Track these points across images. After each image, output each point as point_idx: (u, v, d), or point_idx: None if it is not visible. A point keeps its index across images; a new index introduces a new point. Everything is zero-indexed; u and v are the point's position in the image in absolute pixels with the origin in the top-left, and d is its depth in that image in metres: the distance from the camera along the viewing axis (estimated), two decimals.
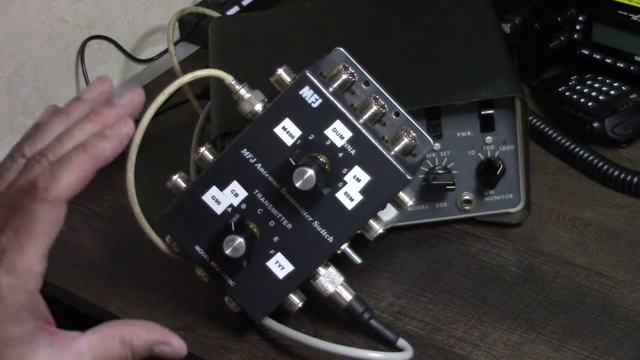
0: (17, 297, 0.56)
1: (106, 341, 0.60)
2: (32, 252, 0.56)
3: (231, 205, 0.75)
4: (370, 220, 0.75)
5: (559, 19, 1.03)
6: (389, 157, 0.73)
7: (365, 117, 0.74)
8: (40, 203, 0.56)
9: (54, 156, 0.59)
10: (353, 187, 0.74)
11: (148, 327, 0.62)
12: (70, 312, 0.88)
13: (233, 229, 0.73)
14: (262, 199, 0.75)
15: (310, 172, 0.71)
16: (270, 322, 0.78)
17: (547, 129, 0.96)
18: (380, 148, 0.73)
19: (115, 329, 0.61)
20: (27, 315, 0.57)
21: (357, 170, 0.74)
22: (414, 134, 0.75)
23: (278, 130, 0.74)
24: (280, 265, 0.76)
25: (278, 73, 0.74)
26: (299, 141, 0.74)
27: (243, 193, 0.75)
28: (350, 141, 0.73)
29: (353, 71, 0.75)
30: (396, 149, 0.74)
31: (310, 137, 0.74)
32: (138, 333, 0.61)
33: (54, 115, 0.63)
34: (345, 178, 0.74)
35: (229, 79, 0.76)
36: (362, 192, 0.74)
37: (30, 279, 0.56)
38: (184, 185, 0.77)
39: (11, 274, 0.56)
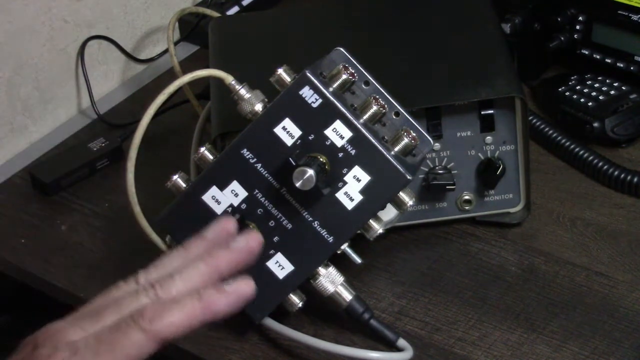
0: None
1: None
2: None
3: (231, 205, 0.76)
4: (370, 220, 0.75)
5: (559, 19, 1.03)
6: (389, 157, 0.73)
7: (365, 117, 0.74)
8: (138, 330, 0.56)
9: (162, 290, 0.59)
10: (353, 187, 0.74)
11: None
12: (70, 312, 0.88)
13: None
14: (262, 199, 0.75)
15: (310, 172, 0.71)
16: (270, 322, 0.78)
17: (547, 129, 0.96)
18: (380, 148, 0.73)
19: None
20: None
21: (357, 170, 0.74)
22: (414, 134, 0.75)
23: (278, 130, 0.74)
24: (280, 265, 0.76)
25: (278, 73, 0.74)
26: (299, 141, 0.74)
27: (243, 193, 0.75)
28: (350, 141, 0.73)
29: (353, 71, 0.75)
30: (396, 149, 0.74)
31: (310, 137, 0.74)
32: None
33: (175, 250, 0.64)
34: (345, 178, 0.74)
35: (229, 79, 0.76)
36: (362, 192, 0.74)
37: None
38: (184, 185, 0.77)
39: None
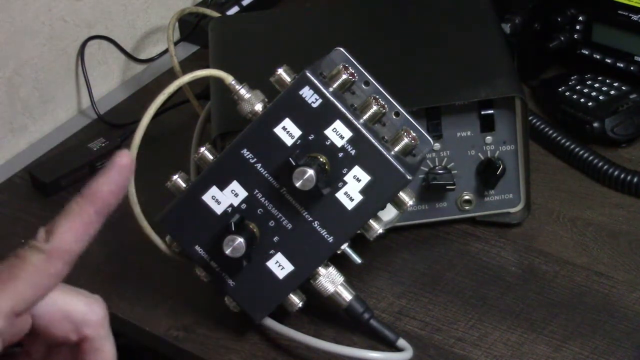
0: None
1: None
2: (3, 301, 0.49)
3: (231, 205, 0.75)
4: (370, 220, 0.75)
5: (559, 19, 1.03)
6: (389, 157, 0.73)
7: (365, 117, 0.74)
8: (36, 253, 0.50)
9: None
10: (353, 187, 0.74)
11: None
12: None
13: (233, 229, 0.73)
14: (262, 199, 0.75)
15: (310, 172, 0.71)
16: (270, 322, 0.78)
17: (547, 129, 0.96)
18: (380, 148, 0.73)
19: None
20: None
21: (357, 170, 0.74)
22: (414, 134, 0.75)
23: (278, 130, 0.74)
24: (280, 265, 0.76)
25: (278, 73, 0.74)
26: (299, 141, 0.74)
27: (243, 193, 0.75)
28: (350, 141, 0.73)
29: (353, 71, 0.75)
30: (396, 149, 0.74)
31: (310, 137, 0.74)
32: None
33: None
34: (345, 178, 0.74)
35: (229, 79, 0.76)
36: (362, 192, 0.74)
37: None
38: (184, 185, 0.77)
39: None
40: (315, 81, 0.73)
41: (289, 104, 0.74)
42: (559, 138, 0.95)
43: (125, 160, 0.54)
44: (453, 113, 0.85)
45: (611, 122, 0.95)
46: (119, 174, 0.54)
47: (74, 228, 0.53)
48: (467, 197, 0.87)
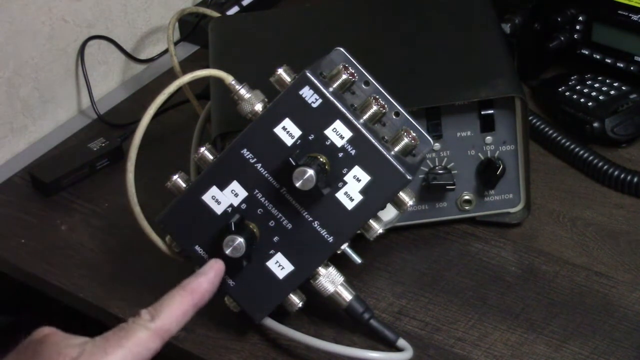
0: None
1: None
2: None
3: (231, 205, 0.75)
4: (370, 220, 0.75)
5: (559, 19, 1.03)
6: (389, 157, 0.73)
7: (365, 117, 0.74)
8: (141, 328, 0.61)
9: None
10: (353, 187, 0.74)
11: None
12: (70, 312, 0.88)
13: (233, 229, 0.73)
14: (262, 199, 0.75)
15: (310, 172, 0.71)
16: (270, 322, 0.78)
17: (547, 129, 0.96)
18: (380, 148, 0.73)
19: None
20: None
21: (357, 170, 0.74)
22: (414, 134, 0.75)
23: (278, 130, 0.74)
24: (280, 265, 0.76)
25: (278, 73, 0.74)
26: (299, 141, 0.74)
27: (243, 193, 0.75)
28: (350, 141, 0.73)
29: (353, 71, 0.75)
30: (396, 149, 0.74)
31: (310, 137, 0.74)
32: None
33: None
34: (345, 178, 0.74)
35: (229, 79, 0.76)
36: (362, 192, 0.74)
37: None
38: (184, 185, 0.77)
39: None
40: (315, 81, 0.73)
41: (289, 104, 0.74)
42: (559, 138, 0.95)
43: (221, 265, 0.71)
44: (453, 113, 0.85)
45: (611, 122, 0.95)
46: (215, 276, 0.70)
47: (175, 315, 0.64)
48: (467, 197, 0.87)
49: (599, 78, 1.00)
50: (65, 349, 0.59)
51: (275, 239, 0.76)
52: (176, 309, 0.64)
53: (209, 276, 0.68)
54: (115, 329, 0.61)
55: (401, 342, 0.78)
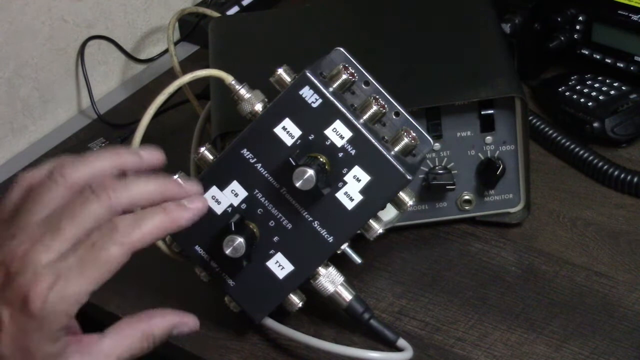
0: (59, 320, 0.59)
1: (128, 340, 0.64)
2: (87, 285, 0.60)
3: (231, 205, 0.75)
4: (370, 220, 0.75)
5: (559, 19, 1.03)
6: (389, 157, 0.73)
7: (365, 117, 0.74)
8: (116, 245, 0.60)
9: (114, 197, 0.61)
10: (353, 187, 0.74)
11: (163, 315, 0.66)
12: None
13: (233, 229, 0.73)
14: (262, 199, 0.75)
15: (310, 172, 0.71)
16: (270, 322, 0.78)
17: (547, 129, 0.96)
18: (380, 148, 0.73)
19: (135, 326, 0.65)
20: (63, 334, 0.60)
21: (357, 170, 0.74)
22: (414, 134, 0.75)
23: (278, 130, 0.74)
24: (280, 265, 0.76)
25: (278, 73, 0.74)
26: (299, 141, 0.74)
27: (243, 193, 0.75)
28: (350, 141, 0.73)
29: (353, 71, 0.75)
30: (396, 149, 0.74)
31: (310, 137, 0.74)
32: (157, 324, 0.65)
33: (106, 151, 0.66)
34: (345, 178, 0.74)
35: (229, 79, 0.76)
36: (362, 192, 0.74)
37: (74, 306, 0.59)
38: None
39: (61, 299, 0.59)
40: (315, 81, 0.73)
41: (289, 104, 0.74)
42: (559, 138, 0.95)
43: (205, 205, 0.67)
44: (453, 113, 0.85)
45: (611, 122, 0.95)
46: (198, 214, 0.67)
47: (151, 235, 0.63)
48: (467, 197, 0.87)
49: (599, 78, 1.00)
50: (38, 276, 0.59)
51: (275, 239, 0.76)
52: (152, 231, 0.63)
53: (190, 214, 0.65)
54: (86, 245, 0.60)
55: (401, 342, 0.78)
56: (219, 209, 0.76)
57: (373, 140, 0.73)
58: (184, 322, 0.68)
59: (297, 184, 0.71)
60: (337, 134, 0.73)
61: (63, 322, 0.59)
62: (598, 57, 1.03)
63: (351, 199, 0.74)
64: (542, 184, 0.93)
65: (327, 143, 0.74)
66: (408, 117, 0.76)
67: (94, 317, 0.85)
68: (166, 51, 1.15)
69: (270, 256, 0.76)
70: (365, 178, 0.74)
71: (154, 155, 0.67)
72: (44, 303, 0.58)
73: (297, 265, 0.76)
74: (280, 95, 0.74)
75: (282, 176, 0.74)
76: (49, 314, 0.58)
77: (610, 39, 1.01)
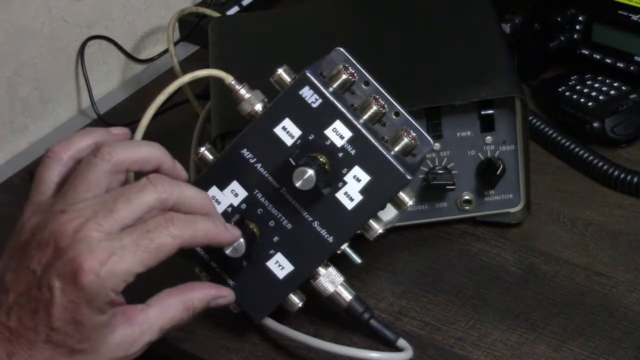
0: (107, 295, 0.62)
1: (171, 310, 0.68)
2: (136, 265, 0.63)
3: (231, 205, 0.76)
4: (370, 220, 0.75)
5: (559, 19, 1.03)
6: (389, 157, 0.73)
7: (365, 117, 0.74)
8: (169, 236, 0.64)
9: (169, 192, 0.66)
10: (353, 187, 0.74)
11: (202, 287, 0.71)
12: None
13: None
14: (262, 199, 0.75)
15: (310, 172, 0.71)
16: (270, 322, 0.78)
17: (547, 129, 0.96)
18: (380, 148, 0.73)
19: (177, 297, 0.69)
20: (110, 306, 0.63)
21: (357, 170, 0.74)
22: (414, 134, 0.75)
23: (278, 130, 0.74)
24: (280, 265, 0.76)
25: (278, 73, 0.74)
26: (299, 141, 0.74)
27: (243, 193, 0.75)
28: (350, 141, 0.73)
29: (353, 71, 0.75)
30: (396, 149, 0.74)
31: (310, 137, 0.74)
32: (197, 296, 0.70)
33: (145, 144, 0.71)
34: (345, 178, 0.74)
35: (229, 79, 0.76)
36: (362, 192, 0.74)
37: (122, 284, 0.63)
38: None
39: (111, 275, 0.62)
40: (315, 81, 0.73)
41: (289, 104, 0.74)
42: (559, 138, 0.95)
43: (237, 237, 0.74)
44: (453, 113, 0.85)
45: (611, 122, 0.95)
46: (231, 242, 0.73)
47: (198, 239, 0.68)
48: (467, 197, 0.87)
49: (599, 78, 1.00)
50: (92, 252, 0.62)
51: (275, 239, 0.76)
52: (201, 234, 0.67)
53: (228, 238, 0.71)
54: (142, 229, 0.64)
55: (401, 342, 0.78)
56: (219, 209, 0.75)
57: (373, 140, 0.73)
58: (222, 294, 0.72)
59: (297, 184, 0.71)
60: (337, 134, 0.73)
61: (111, 297, 0.62)
62: (598, 57, 1.03)
63: (351, 199, 0.74)
64: (542, 184, 0.93)
65: (327, 143, 0.74)
66: (408, 117, 0.76)
67: None
68: (166, 51, 1.15)
69: (270, 256, 0.76)
70: (365, 178, 0.74)
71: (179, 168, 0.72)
72: (96, 277, 0.61)
73: (297, 265, 0.76)
74: (280, 95, 0.74)
75: (282, 176, 0.74)
76: (99, 288, 0.61)
77: (610, 39, 1.01)
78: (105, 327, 0.63)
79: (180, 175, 0.70)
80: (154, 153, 0.69)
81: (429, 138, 0.76)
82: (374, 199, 0.74)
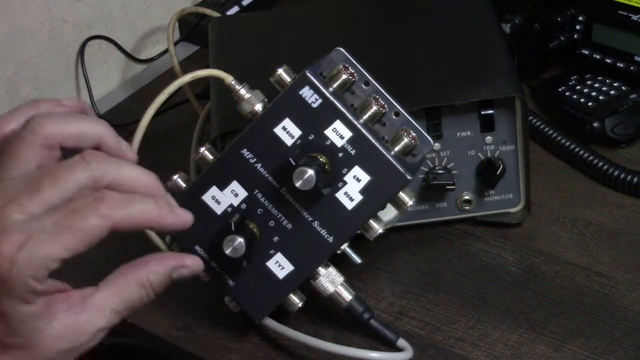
0: (27, 283, 0.55)
1: (123, 290, 0.60)
2: (58, 250, 0.56)
3: (231, 205, 0.76)
4: (370, 220, 0.75)
5: (559, 19, 1.03)
6: (389, 157, 0.73)
7: (365, 117, 0.74)
8: (97, 217, 0.56)
9: (102, 170, 0.58)
10: (353, 187, 0.74)
11: (160, 259, 0.62)
12: None
13: (233, 229, 0.73)
14: (262, 199, 0.75)
15: (310, 172, 0.71)
16: (270, 322, 0.78)
17: (547, 129, 0.96)
18: (380, 148, 0.73)
19: (129, 275, 0.61)
20: (36, 296, 0.56)
21: (357, 170, 0.74)
22: (414, 134, 0.75)
23: (278, 130, 0.74)
24: (280, 265, 0.76)
25: (278, 73, 0.74)
26: (299, 141, 0.74)
27: (243, 193, 0.75)
28: (350, 141, 0.73)
29: (353, 71, 0.75)
30: (396, 149, 0.74)
31: (310, 137, 0.74)
32: (153, 269, 0.61)
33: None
34: (345, 178, 0.74)
35: (229, 79, 0.76)
36: (362, 192, 0.74)
37: (42, 271, 0.55)
38: (184, 185, 0.77)
39: (29, 261, 0.55)
40: (315, 81, 0.73)
41: (289, 104, 0.74)
42: (559, 138, 0.95)
43: (190, 219, 0.63)
44: (453, 113, 0.85)
45: (611, 122, 0.95)
46: (184, 226, 0.62)
47: (135, 221, 0.59)
48: (467, 197, 0.87)
49: (599, 78, 1.00)
50: (7, 233, 0.55)
51: (275, 239, 0.76)
52: (138, 216, 0.59)
53: (175, 221, 0.61)
54: (66, 210, 0.56)
55: (401, 342, 0.78)
56: (219, 209, 0.76)
57: (373, 140, 0.73)
58: (185, 264, 0.63)
59: (297, 184, 0.71)
60: (337, 134, 0.73)
61: (32, 285, 0.55)
62: (598, 57, 1.03)
63: (351, 199, 0.74)
64: (542, 184, 0.93)
65: (327, 143, 0.74)
66: (408, 117, 0.76)
67: None
68: (166, 51, 1.15)
69: (270, 256, 0.76)
70: (365, 178, 0.74)
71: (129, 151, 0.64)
72: (11, 264, 0.54)
73: (297, 265, 0.76)
74: (280, 95, 0.74)
75: (282, 176, 0.74)
76: (16, 275, 0.55)
77: (610, 39, 1.01)
78: (37, 318, 0.56)
79: (126, 156, 0.62)
80: (93, 128, 0.61)
81: (429, 138, 0.76)
82: (374, 199, 0.74)
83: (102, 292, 0.60)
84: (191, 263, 0.63)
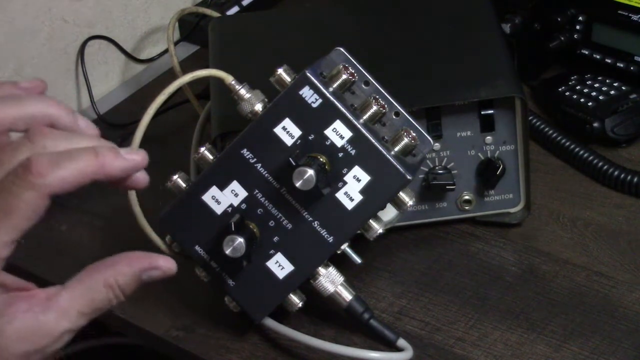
0: None
1: (90, 292, 0.57)
2: (2, 235, 0.53)
3: (231, 205, 0.75)
4: (370, 220, 0.75)
5: (559, 19, 1.03)
6: (389, 157, 0.73)
7: (365, 117, 0.74)
8: (28, 189, 0.52)
9: (49, 141, 0.55)
10: (353, 187, 0.74)
11: (129, 260, 0.58)
12: None
13: (233, 229, 0.73)
14: (262, 199, 0.75)
15: (310, 172, 0.71)
16: (270, 322, 0.78)
17: (547, 129, 0.96)
18: (380, 148, 0.73)
19: (95, 275, 0.57)
20: None
21: (357, 170, 0.74)
22: (414, 134, 0.75)
23: (278, 130, 0.74)
24: (280, 265, 0.76)
25: (278, 73, 0.74)
26: (299, 141, 0.74)
27: (243, 193, 0.75)
28: (350, 141, 0.73)
29: (353, 71, 0.75)
30: (396, 149, 0.74)
31: (310, 137, 0.74)
32: (121, 270, 0.58)
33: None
34: (345, 178, 0.74)
35: (229, 79, 0.76)
36: (362, 192, 0.74)
37: None
38: (184, 185, 0.77)
39: None
40: (315, 81, 0.73)
41: (289, 104, 0.74)
42: (559, 138, 0.95)
43: (145, 160, 0.59)
44: (453, 113, 0.85)
45: (611, 122, 0.95)
46: (136, 167, 0.59)
47: (72, 180, 0.55)
48: (467, 197, 0.87)
49: (599, 78, 1.00)
50: None
51: (275, 239, 0.76)
52: (73, 173, 0.55)
53: (124, 164, 0.58)
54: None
55: (401, 342, 0.78)
56: (219, 209, 0.76)
57: (373, 140, 0.73)
58: (155, 265, 0.59)
59: (297, 184, 0.71)
60: (337, 134, 0.73)
61: None
62: (598, 57, 1.03)
63: (351, 199, 0.74)
64: (542, 184, 0.93)
65: (327, 143, 0.74)
66: (408, 117, 0.76)
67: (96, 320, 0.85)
68: (166, 51, 1.15)
69: (270, 256, 0.76)
70: (365, 178, 0.74)
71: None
72: None
73: (297, 265, 0.76)
74: (280, 95, 0.74)
75: (282, 176, 0.74)
76: None
77: (610, 39, 1.01)
78: None
79: (86, 132, 0.59)
80: (43, 109, 0.57)
81: (429, 138, 0.76)
82: (374, 199, 0.74)
83: (67, 293, 0.56)
84: (164, 265, 0.59)
